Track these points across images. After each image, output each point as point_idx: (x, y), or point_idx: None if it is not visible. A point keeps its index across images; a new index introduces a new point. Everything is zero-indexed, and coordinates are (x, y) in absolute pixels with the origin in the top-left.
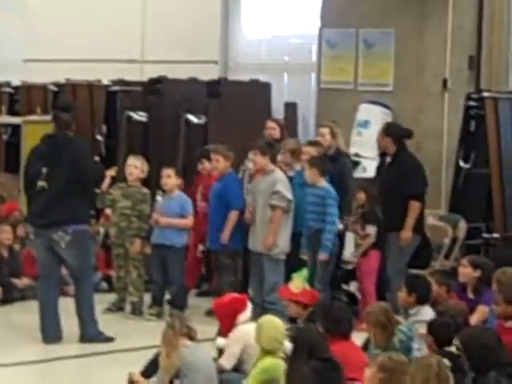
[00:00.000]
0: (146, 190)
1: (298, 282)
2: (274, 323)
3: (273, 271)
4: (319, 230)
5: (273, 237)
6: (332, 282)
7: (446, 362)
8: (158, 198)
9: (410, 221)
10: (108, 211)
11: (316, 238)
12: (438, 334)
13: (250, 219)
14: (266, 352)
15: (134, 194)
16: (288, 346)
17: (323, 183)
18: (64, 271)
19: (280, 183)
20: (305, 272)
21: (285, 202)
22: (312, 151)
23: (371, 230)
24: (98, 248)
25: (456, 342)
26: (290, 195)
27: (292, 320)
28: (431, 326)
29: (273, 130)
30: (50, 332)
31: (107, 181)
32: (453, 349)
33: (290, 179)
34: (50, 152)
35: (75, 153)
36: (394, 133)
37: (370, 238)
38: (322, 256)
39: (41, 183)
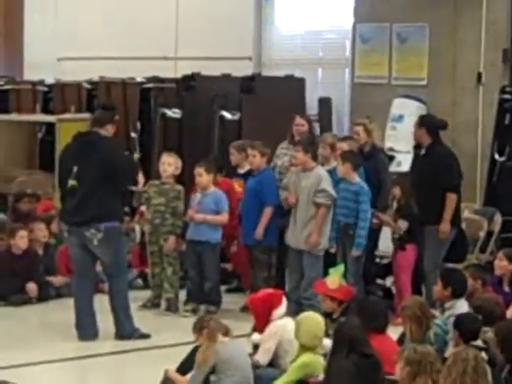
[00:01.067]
0: (179, 187)
1: (335, 278)
2: (314, 319)
3: (312, 267)
4: (348, 225)
5: (317, 235)
6: (367, 277)
7: (483, 355)
8: (197, 194)
9: (448, 213)
10: (143, 208)
11: (345, 233)
12: (465, 328)
13: (292, 202)
14: (306, 348)
15: (168, 191)
16: (327, 342)
17: (356, 178)
18: (99, 268)
19: (325, 181)
20: (342, 268)
21: (330, 199)
22: (344, 146)
23: (403, 224)
24: (134, 245)
25: (485, 335)
26: (334, 192)
27: (327, 315)
28: (457, 320)
29: (301, 126)
30: (86, 329)
31: (142, 180)
32: (479, 342)
33: (328, 173)
34: (81, 150)
35: (106, 151)
36: (428, 124)
37: (397, 230)
38: (356, 253)
39: (72, 182)
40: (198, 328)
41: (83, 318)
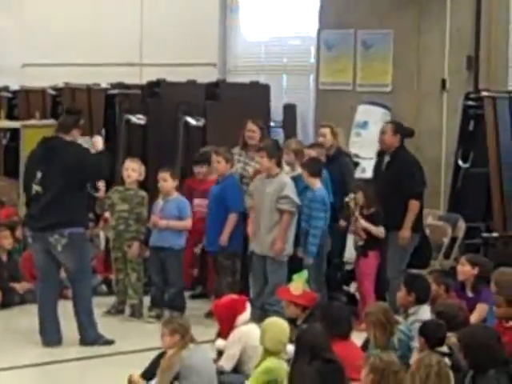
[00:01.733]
0: (143, 193)
1: (299, 284)
2: (279, 325)
3: (276, 273)
4: (308, 231)
5: (281, 242)
6: (332, 283)
7: (447, 360)
8: (159, 200)
9: (409, 220)
10: (107, 214)
11: (306, 239)
12: (430, 334)
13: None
14: (270, 353)
15: (132, 198)
16: (290, 348)
17: (316, 185)
18: (63, 274)
19: (288, 187)
20: (305, 274)
21: (294, 206)
22: (312, 153)
23: (382, 230)
24: (98, 251)
25: (450, 340)
26: (297, 199)
27: (291, 321)
28: (423, 327)
29: (252, 132)
30: (50, 335)
31: (103, 188)
32: (444, 349)
33: (293, 180)
34: (45, 156)
35: (70, 156)
36: (401, 131)
37: (379, 234)
38: (308, 261)
39: (36, 187)
40: (171, 329)
41: (47, 324)
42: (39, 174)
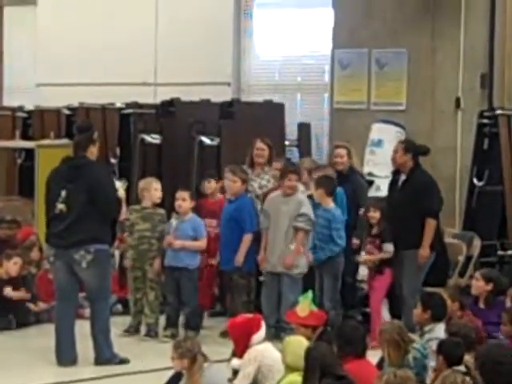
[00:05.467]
0: (162, 211)
1: (305, 306)
2: (299, 341)
3: (291, 290)
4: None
5: (293, 257)
6: (347, 302)
7: (468, 379)
8: (172, 220)
9: (427, 239)
10: (125, 234)
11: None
12: (449, 353)
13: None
14: (291, 369)
15: (152, 216)
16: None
17: (330, 204)
18: (80, 294)
19: (305, 205)
20: (310, 294)
21: (310, 224)
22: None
23: (390, 247)
24: (113, 270)
25: (467, 358)
26: (313, 217)
27: None
28: (441, 345)
29: (262, 150)
30: (66, 355)
31: (124, 209)
32: (462, 368)
33: (308, 198)
34: (69, 175)
35: (93, 177)
36: (413, 150)
37: (386, 254)
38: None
39: (60, 206)
40: (179, 353)
41: (63, 344)
42: (63, 193)
